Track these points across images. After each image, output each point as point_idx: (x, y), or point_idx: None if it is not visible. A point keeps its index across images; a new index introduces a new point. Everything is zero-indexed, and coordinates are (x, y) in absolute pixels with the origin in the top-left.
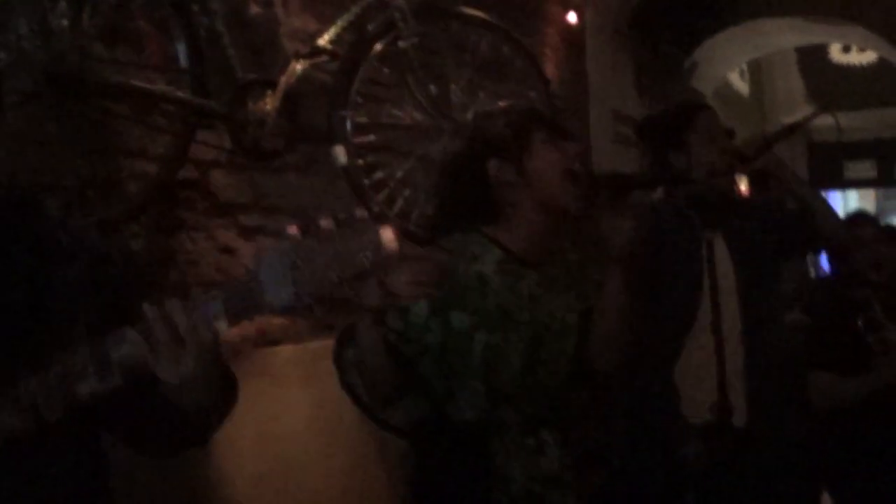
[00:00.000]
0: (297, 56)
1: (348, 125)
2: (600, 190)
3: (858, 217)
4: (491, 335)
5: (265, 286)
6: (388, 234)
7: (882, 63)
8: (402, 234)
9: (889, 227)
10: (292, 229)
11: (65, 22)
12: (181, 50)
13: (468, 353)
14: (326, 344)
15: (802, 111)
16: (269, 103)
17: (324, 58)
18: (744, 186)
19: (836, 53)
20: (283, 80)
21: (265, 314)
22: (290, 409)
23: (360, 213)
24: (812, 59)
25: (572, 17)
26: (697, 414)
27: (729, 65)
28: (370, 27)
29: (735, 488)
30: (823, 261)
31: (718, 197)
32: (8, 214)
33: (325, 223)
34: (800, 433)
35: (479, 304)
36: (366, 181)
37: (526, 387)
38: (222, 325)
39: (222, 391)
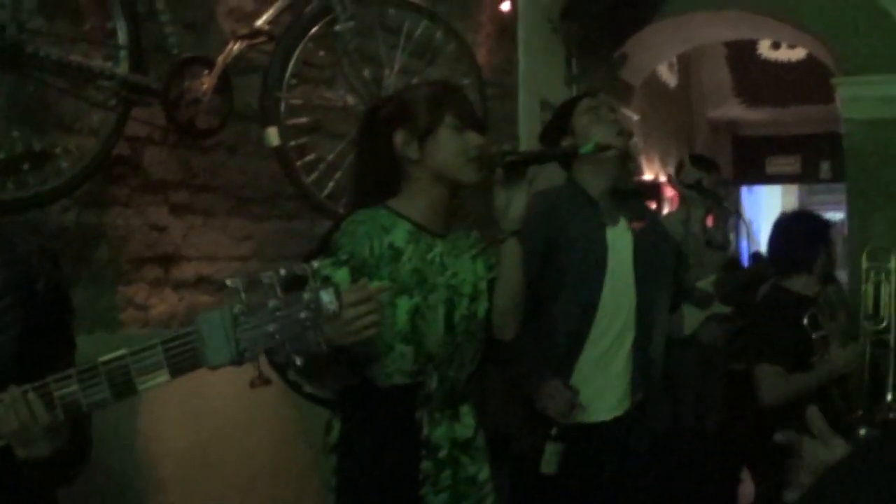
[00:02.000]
0: (236, 36)
1: (282, 106)
2: (497, 166)
3: None
4: (412, 299)
5: (207, 343)
6: (328, 296)
7: (810, 60)
8: (331, 217)
9: None
10: (235, 283)
11: None
12: (120, 26)
13: (392, 319)
14: None
15: (729, 105)
16: (206, 82)
17: (262, 39)
18: None
19: (765, 49)
20: (221, 60)
21: (208, 368)
22: (214, 385)
23: (300, 269)
24: (741, 54)
25: (505, 5)
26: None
27: (659, 57)
28: (307, 10)
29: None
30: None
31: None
32: None
33: (267, 278)
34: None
35: (396, 273)
36: (297, 163)
37: (448, 351)
38: (164, 377)
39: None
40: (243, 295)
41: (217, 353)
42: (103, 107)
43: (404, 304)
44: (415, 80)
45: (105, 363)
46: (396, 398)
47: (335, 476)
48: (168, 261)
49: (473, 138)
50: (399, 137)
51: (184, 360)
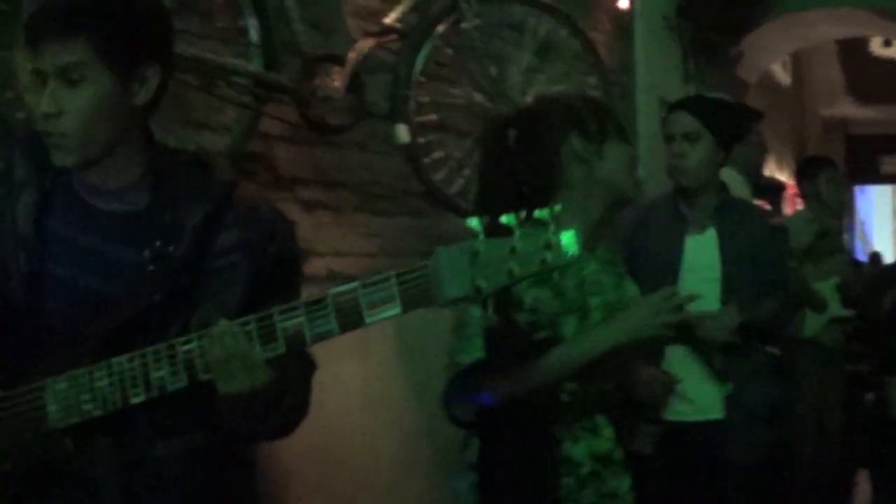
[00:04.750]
0: (366, 34)
1: (411, 104)
2: None
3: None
4: (580, 320)
5: (442, 278)
6: (568, 238)
7: None
8: (459, 213)
9: None
10: (473, 223)
11: None
12: (252, 24)
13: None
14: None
15: (841, 103)
16: (337, 79)
17: (392, 36)
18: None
19: (876, 47)
20: (352, 57)
21: (438, 305)
22: (341, 382)
23: (540, 212)
24: (852, 52)
25: (623, 3)
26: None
27: (773, 55)
28: (434, 8)
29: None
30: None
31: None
32: None
33: (506, 219)
34: None
35: (561, 288)
36: (425, 160)
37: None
38: (395, 310)
39: None
40: (481, 235)
41: (451, 287)
42: (238, 104)
43: (571, 325)
44: (538, 77)
45: (335, 295)
46: (533, 414)
47: (476, 494)
48: None
49: (632, 151)
50: (575, 140)
51: (417, 293)
